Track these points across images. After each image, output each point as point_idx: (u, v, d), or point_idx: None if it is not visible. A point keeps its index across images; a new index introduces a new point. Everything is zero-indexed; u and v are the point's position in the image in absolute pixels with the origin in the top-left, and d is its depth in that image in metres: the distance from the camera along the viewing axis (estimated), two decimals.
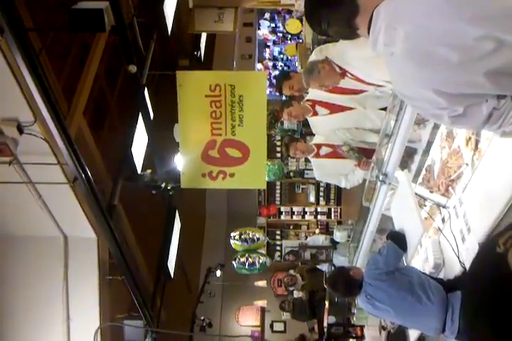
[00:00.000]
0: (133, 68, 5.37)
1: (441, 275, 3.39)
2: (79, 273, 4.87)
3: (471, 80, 1.50)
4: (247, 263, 5.91)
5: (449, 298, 3.05)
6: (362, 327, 5.77)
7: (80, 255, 4.88)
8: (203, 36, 9.23)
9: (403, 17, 1.54)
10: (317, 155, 4.57)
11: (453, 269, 3.20)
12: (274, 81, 12.38)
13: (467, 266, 2.98)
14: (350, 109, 4.31)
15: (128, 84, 6.01)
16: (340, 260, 5.65)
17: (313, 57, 4.15)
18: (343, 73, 3.93)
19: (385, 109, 3.72)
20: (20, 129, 3.67)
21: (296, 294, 8.22)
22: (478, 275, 1.21)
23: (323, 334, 6.82)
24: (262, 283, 9.36)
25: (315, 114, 4.45)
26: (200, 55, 9.25)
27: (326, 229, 11.03)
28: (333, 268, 5.91)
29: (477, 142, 2.93)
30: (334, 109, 4.35)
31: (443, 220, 3.36)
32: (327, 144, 4.49)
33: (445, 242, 3.26)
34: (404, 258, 3.58)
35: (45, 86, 3.26)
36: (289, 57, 12.67)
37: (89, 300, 4.91)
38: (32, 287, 4.86)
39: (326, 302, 6.27)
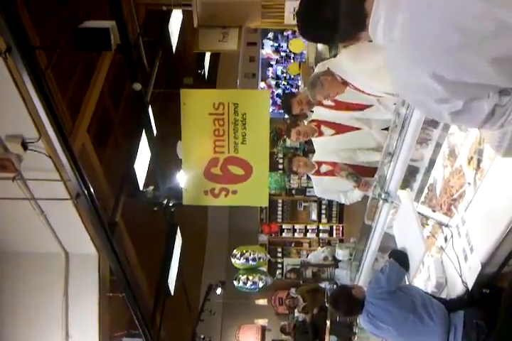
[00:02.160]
0: (138, 86, 5.42)
1: (443, 295, 3.36)
2: (79, 289, 4.85)
3: (473, 64, 1.45)
4: (248, 283, 5.88)
5: (452, 318, 3.03)
6: None
7: (80, 272, 4.86)
8: (207, 55, 9.33)
9: (402, 2, 1.53)
10: (317, 173, 4.59)
11: (455, 289, 3.17)
12: (277, 99, 12.51)
13: (469, 285, 2.97)
14: (356, 129, 4.34)
15: (132, 102, 6.06)
16: (342, 275, 5.62)
17: (316, 71, 4.20)
18: (345, 83, 3.98)
19: (388, 129, 3.76)
20: (24, 146, 3.70)
21: (297, 314, 8.15)
22: None
23: None
24: (262, 302, 9.29)
25: (321, 134, 4.48)
26: (204, 73, 9.35)
27: None
28: (335, 286, 5.87)
29: (479, 161, 2.94)
30: (340, 129, 4.38)
31: (445, 239, 3.35)
32: (327, 162, 4.51)
33: (447, 261, 3.24)
34: (406, 277, 3.56)
35: (51, 103, 3.30)
36: (292, 76, 12.78)
37: (89, 317, 4.87)
38: (32, 303, 4.84)
39: (328, 322, 6.21)
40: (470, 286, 2.97)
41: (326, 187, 4.71)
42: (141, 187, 5.54)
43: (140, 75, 5.65)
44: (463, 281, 3.01)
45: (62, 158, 3.53)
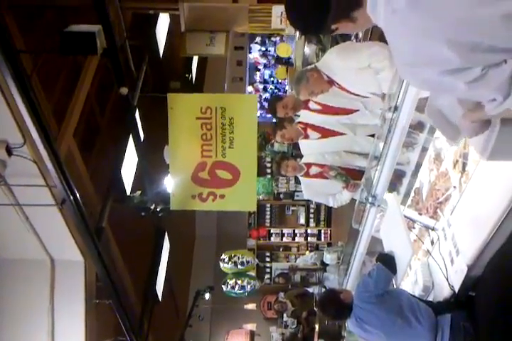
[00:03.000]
0: (124, 90, 5.41)
1: (430, 298, 3.38)
2: (65, 296, 4.78)
3: (487, 22, 1.36)
4: (236, 287, 5.86)
5: (439, 321, 3.04)
6: None
7: (66, 278, 4.80)
8: (195, 59, 9.33)
9: None
10: (307, 175, 4.60)
11: (442, 292, 3.19)
12: (264, 103, 12.54)
13: (456, 288, 2.98)
14: (341, 134, 4.36)
15: (119, 106, 6.04)
16: (330, 279, 5.62)
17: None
18: (331, 81, 4.00)
19: (373, 135, 3.78)
20: (9, 151, 3.66)
21: (286, 318, 8.17)
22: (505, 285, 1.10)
23: None
24: (251, 306, 9.25)
25: (306, 137, 4.49)
26: (192, 77, 9.34)
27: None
28: (323, 289, 5.88)
29: (464, 165, 2.97)
30: (325, 133, 4.40)
31: (432, 242, 3.37)
32: (317, 164, 4.52)
33: (434, 264, 3.26)
34: (394, 280, 3.57)
35: (36, 108, 3.27)
36: (280, 80, 12.81)
37: (75, 324, 4.81)
38: (17, 310, 4.77)
39: (316, 326, 6.21)
40: (456, 289, 2.99)
41: (314, 190, 4.72)
42: (128, 192, 5.51)
43: (127, 79, 5.63)
44: (449, 284, 3.03)
45: (48, 164, 3.49)
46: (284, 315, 8.34)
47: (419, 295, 3.38)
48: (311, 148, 4.58)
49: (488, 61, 1.44)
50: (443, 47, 1.41)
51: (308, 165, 4.56)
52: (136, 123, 5.83)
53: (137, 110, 5.91)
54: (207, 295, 8.64)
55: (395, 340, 3.29)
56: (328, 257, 5.71)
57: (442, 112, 1.97)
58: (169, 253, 7.15)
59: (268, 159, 10.74)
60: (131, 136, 5.61)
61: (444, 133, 2.17)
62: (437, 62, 1.45)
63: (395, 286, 3.67)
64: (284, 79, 12.28)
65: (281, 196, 11.14)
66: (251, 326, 9.96)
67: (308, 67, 4.25)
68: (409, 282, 3.64)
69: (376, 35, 5.00)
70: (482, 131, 1.93)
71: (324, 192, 4.67)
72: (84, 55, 5.18)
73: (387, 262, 3.40)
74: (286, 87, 12.24)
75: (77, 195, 3.81)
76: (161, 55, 7.25)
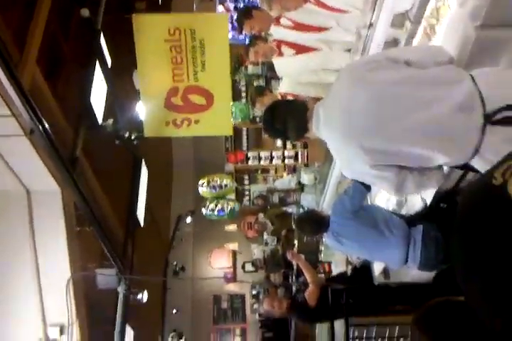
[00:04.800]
0: (85, 12, 5.11)
1: (403, 212, 3.50)
2: (45, 227, 4.81)
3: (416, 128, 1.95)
4: (216, 210, 5.99)
5: (411, 232, 3.18)
6: (329, 263, 6.00)
7: (44, 208, 4.79)
8: None
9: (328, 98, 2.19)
10: None
11: (414, 205, 3.30)
12: (236, 24, 12.06)
13: (428, 201, 3.09)
14: (316, 49, 4.24)
15: (82, 30, 5.73)
16: (307, 200, 5.78)
17: None
18: None
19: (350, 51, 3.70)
20: None
21: (266, 236, 8.46)
22: (474, 210, 1.13)
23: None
24: (232, 227, 9.54)
25: (280, 54, 4.37)
26: None
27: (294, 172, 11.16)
28: (301, 209, 6.05)
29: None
30: (300, 49, 4.27)
31: None
32: (292, 94, 4.45)
33: None
34: (368, 196, 3.68)
35: None
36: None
37: (58, 253, 4.87)
38: None
39: (295, 242, 6.46)
40: (428, 202, 3.09)
41: None
42: (100, 121, 5.38)
43: (88, 0, 5.30)
44: (421, 197, 3.13)
45: (11, 92, 3.34)
46: (265, 233, 8.64)
47: (393, 210, 3.50)
48: (287, 67, 4.46)
49: (389, 161, 2.03)
50: (357, 148, 2.01)
51: (284, 96, 4.49)
52: (102, 47, 5.57)
53: (102, 34, 5.62)
54: (188, 219, 8.86)
55: (370, 251, 3.46)
56: (306, 177, 5.82)
57: None
58: (148, 179, 7.18)
59: (243, 83, 10.53)
60: (97, 61, 5.37)
61: None
62: (358, 162, 2.07)
63: (369, 202, 3.79)
64: None
65: (258, 119, 11.07)
66: (233, 245, 10.34)
67: None
68: (384, 198, 3.76)
69: None
70: None
71: None
72: None
73: None
74: (259, 5, 11.71)
75: (46, 124, 3.69)
76: None
